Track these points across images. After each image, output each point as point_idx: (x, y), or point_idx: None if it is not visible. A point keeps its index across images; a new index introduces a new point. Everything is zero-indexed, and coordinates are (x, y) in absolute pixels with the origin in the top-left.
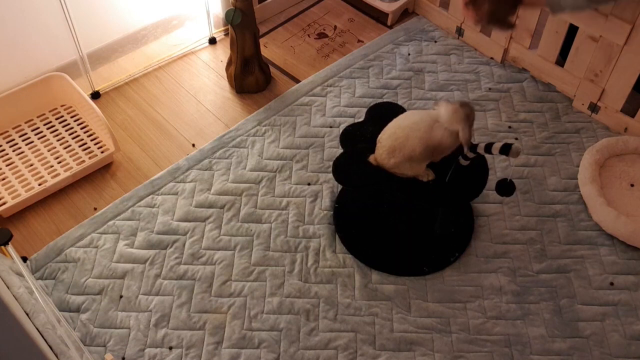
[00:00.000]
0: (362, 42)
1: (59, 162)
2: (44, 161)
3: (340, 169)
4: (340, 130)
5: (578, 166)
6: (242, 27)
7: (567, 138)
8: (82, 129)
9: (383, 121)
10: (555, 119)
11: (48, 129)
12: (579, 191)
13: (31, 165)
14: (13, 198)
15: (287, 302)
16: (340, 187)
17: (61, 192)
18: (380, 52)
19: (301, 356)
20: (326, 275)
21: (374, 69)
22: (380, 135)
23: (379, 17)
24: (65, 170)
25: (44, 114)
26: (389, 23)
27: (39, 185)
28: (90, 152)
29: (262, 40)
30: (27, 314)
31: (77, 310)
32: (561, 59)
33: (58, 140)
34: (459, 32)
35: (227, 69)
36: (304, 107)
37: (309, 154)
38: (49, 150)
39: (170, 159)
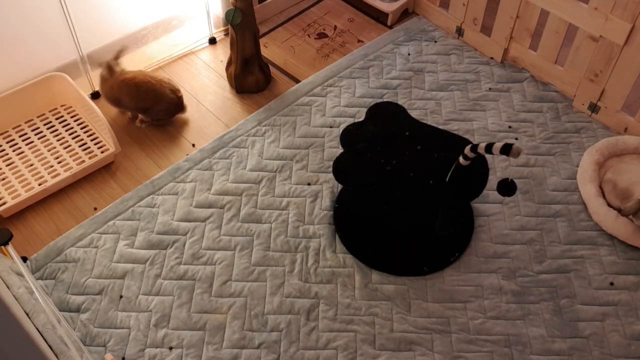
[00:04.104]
0: (362, 42)
1: (59, 162)
2: (44, 161)
3: (340, 168)
4: (341, 130)
5: (578, 166)
6: (242, 27)
7: (567, 138)
8: (82, 129)
9: (383, 121)
10: (555, 119)
11: (48, 129)
12: (579, 191)
13: (31, 165)
14: (13, 198)
15: (287, 302)
16: (340, 187)
17: (61, 192)
18: (380, 52)
19: (301, 356)
20: (326, 275)
21: (374, 69)
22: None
23: (379, 17)
24: (65, 170)
25: (44, 114)
26: (389, 23)
27: (39, 185)
28: (90, 152)
29: (262, 40)
30: (27, 314)
31: (77, 310)
32: None
33: (58, 140)
34: (459, 32)
35: (227, 69)
36: (304, 107)
37: (309, 154)
38: (49, 150)
39: (170, 159)
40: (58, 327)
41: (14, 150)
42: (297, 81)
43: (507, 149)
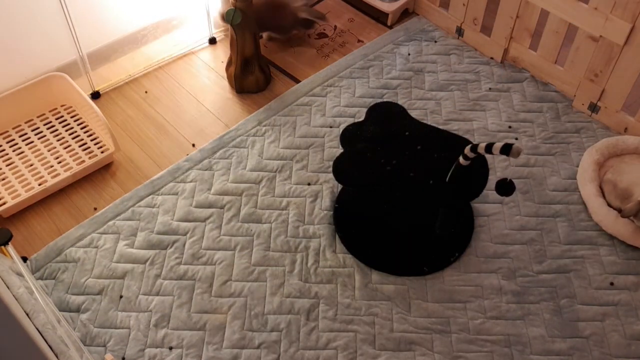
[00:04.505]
0: (362, 42)
1: (59, 162)
2: (44, 161)
3: (340, 168)
4: (340, 130)
5: (578, 166)
6: (242, 27)
7: (567, 138)
8: (82, 129)
9: (383, 121)
10: (555, 119)
11: (48, 129)
12: (579, 191)
13: (31, 165)
14: (13, 198)
15: (287, 302)
16: (340, 187)
17: (61, 192)
18: (380, 52)
19: (301, 356)
20: (326, 275)
21: (374, 69)
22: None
23: (379, 17)
24: (65, 170)
25: (44, 114)
26: (389, 23)
27: (39, 185)
28: (90, 152)
29: (262, 40)
30: (27, 314)
31: (77, 310)
32: None
33: (58, 140)
34: (459, 32)
35: (227, 69)
36: (304, 107)
37: (309, 154)
38: (49, 150)
39: (170, 159)
40: (58, 327)
41: (14, 150)
42: (297, 81)
43: (507, 149)
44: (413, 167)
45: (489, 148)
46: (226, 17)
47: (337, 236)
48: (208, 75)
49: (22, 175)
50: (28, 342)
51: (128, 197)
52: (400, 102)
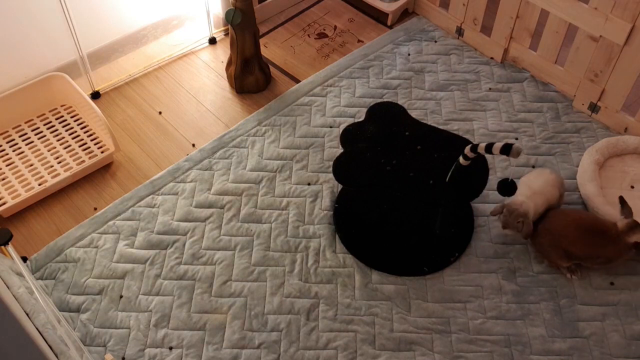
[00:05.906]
0: (362, 42)
1: (59, 162)
2: (44, 161)
3: (340, 168)
4: (341, 130)
5: (578, 166)
6: (242, 27)
7: (567, 138)
8: (82, 129)
9: (383, 121)
10: (555, 119)
11: (48, 129)
12: (579, 191)
13: (31, 165)
14: (13, 198)
15: (287, 302)
16: (340, 187)
17: (61, 192)
18: (380, 52)
19: (301, 356)
20: (326, 275)
21: (374, 69)
22: None
23: (379, 17)
24: (65, 170)
25: (44, 114)
26: (389, 23)
27: (39, 185)
28: (90, 152)
29: (262, 40)
30: (27, 314)
31: (77, 310)
32: None
33: (58, 140)
34: (459, 32)
35: (227, 69)
36: (304, 107)
37: (309, 154)
38: (49, 150)
39: (170, 159)
40: (58, 327)
41: (14, 150)
42: (297, 81)
43: (507, 149)
44: (413, 167)
45: (489, 148)
46: (226, 17)
47: (337, 236)
48: (208, 75)
49: (22, 175)
50: (28, 342)
51: (128, 197)
52: (400, 102)
